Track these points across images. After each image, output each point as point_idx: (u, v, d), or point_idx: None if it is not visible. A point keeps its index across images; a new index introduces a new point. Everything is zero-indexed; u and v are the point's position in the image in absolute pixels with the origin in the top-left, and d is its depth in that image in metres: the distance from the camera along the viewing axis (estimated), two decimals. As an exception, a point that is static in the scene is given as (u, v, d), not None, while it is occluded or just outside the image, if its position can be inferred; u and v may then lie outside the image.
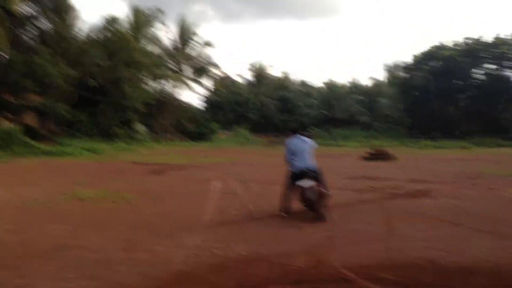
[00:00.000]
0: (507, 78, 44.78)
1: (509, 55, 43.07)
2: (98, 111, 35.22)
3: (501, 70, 44.69)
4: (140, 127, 39.45)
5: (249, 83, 60.95)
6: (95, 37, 37.51)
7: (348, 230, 7.10)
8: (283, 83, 61.50)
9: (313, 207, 7.94)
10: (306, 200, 8.00)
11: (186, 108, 52.37)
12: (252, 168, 18.84)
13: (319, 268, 5.14)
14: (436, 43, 47.98)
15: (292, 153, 8.42)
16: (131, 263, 5.37)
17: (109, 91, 35.97)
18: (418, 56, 48.46)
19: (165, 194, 11.20)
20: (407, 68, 49.70)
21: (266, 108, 56.07)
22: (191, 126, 46.48)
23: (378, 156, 22.86)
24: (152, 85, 46.00)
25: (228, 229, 7.32)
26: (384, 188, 12.16)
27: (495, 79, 44.18)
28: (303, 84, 66.47)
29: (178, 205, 9.62)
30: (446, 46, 46.65)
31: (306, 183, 7.92)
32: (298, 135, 8.70)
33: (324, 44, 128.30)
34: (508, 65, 44.27)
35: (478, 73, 45.78)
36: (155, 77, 45.40)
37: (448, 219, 7.88)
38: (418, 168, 18.80)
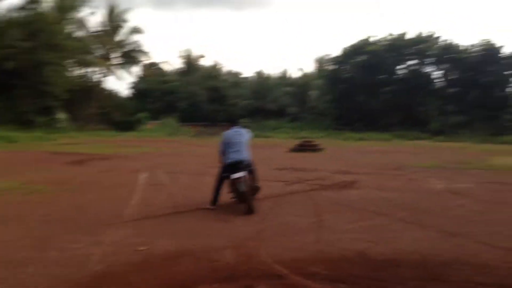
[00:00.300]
0: (426, 73, 47.18)
1: (429, 52, 45.31)
2: (15, 96, 32.88)
3: (422, 66, 46.98)
4: (62, 115, 37.43)
5: (179, 72, 59.73)
6: (13, 16, 34.89)
7: (278, 223, 6.95)
8: (213, 73, 60.86)
9: (243, 199, 7.73)
10: (237, 191, 7.78)
11: (112, 96, 50.51)
12: (180, 159, 18.38)
13: (250, 263, 4.91)
14: (363, 37, 49.38)
15: (228, 145, 8.13)
16: (40, 263, 4.86)
17: (28, 75, 33.69)
18: (346, 50, 49.73)
19: (85, 186, 10.55)
20: (335, 61, 50.89)
21: (196, 98, 55.25)
22: (117, 115, 44.80)
23: (306, 147, 23.14)
24: (77, 71, 43.84)
25: (153, 223, 6.93)
26: (312, 179, 12.22)
27: (415, 74, 46.38)
28: (234, 74, 66.25)
29: (99, 198, 9.04)
30: (372, 41, 48.26)
31: (237, 174, 7.69)
32: (235, 127, 8.43)
33: (256, 35, 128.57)
34: (428, 62, 46.62)
35: (401, 68, 47.83)
36: (80, 63, 43.25)
37: (374, 210, 7.97)
38: (344, 159, 19.21)
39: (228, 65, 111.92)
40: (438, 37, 46.28)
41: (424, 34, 46.42)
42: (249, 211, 7.51)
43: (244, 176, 7.71)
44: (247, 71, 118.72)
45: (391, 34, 47.82)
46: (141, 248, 5.46)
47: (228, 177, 7.92)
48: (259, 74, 63.30)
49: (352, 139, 37.37)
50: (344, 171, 14.24)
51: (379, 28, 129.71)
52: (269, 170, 13.88)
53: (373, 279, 4.53)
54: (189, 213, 7.72)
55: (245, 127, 8.86)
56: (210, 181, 8.68)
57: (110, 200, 8.81)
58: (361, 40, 49.27)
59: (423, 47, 45.06)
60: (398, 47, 46.11)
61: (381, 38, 48.31)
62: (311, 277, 4.45)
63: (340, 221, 7.07)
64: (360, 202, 8.74)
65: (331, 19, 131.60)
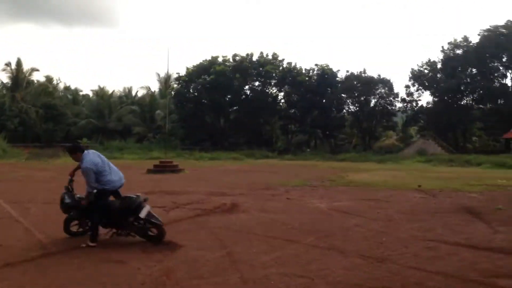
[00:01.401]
0: (271, 94, 49.21)
1: (272, 74, 47.39)
2: None
3: (266, 87, 48.89)
4: None
5: (5, 86, 53.03)
6: None
7: (185, 260, 5.84)
8: (47, 88, 55.33)
9: (145, 233, 6.55)
10: (140, 227, 6.62)
11: None
12: (21, 186, 15.67)
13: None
14: (209, 57, 49.57)
15: (101, 170, 6.70)
16: None
17: None
18: (190, 69, 49.40)
19: None
20: (180, 80, 50.23)
21: (27, 116, 49.45)
22: None
23: (165, 168, 21.83)
24: None
25: (19, 274, 5.26)
26: (189, 203, 11.21)
27: (260, 95, 48.03)
28: (72, 90, 61.24)
29: None
30: (219, 61, 48.74)
31: (145, 210, 6.48)
32: (89, 150, 6.97)
33: (96, 52, 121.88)
34: (270, 83, 48.73)
35: (247, 89, 49.13)
36: None
37: (278, 235, 7.33)
38: (208, 180, 18.42)
39: (64, 82, 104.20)
40: (282, 60, 48.69)
41: (269, 56, 48.40)
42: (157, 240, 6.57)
43: (149, 209, 6.65)
44: (86, 88, 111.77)
45: (236, 55, 48.90)
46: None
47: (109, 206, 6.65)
48: (100, 91, 59.50)
49: (204, 158, 36.84)
50: (218, 192, 13.47)
51: (223, 48, 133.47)
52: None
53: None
54: (64, 254, 6.16)
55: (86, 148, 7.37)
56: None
57: None
58: (207, 60, 49.47)
59: (267, 68, 46.94)
60: (244, 68, 47.30)
61: (228, 59, 49.08)
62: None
63: (252, 252, 6.25)
64: (256, 228, 8.04)
65: (175, 39, 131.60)
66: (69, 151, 6.96)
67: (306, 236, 7.30)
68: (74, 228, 7.04)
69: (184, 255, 6.06)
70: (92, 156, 6.75)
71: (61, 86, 61.01)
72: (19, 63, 52.79)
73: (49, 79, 58.02)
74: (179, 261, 5.76)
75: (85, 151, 6.82)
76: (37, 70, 55.26)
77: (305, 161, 33.66)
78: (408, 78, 45.28)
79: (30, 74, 54.36)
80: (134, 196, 6.83)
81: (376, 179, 17.79)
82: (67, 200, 6.85)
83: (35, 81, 55.30)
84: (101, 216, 6.70)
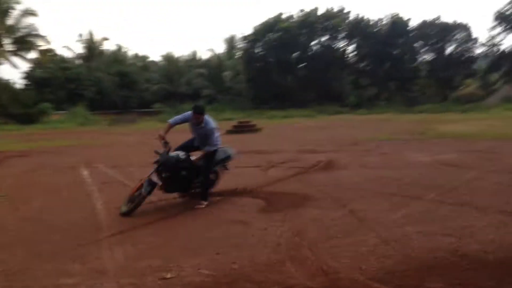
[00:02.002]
0: (339, 49, 47.69)
1: (340, 28, 45.74)
2: None
3: (334, 41, 47.35)
4: None
5: (81, 57, 54.99)
6: None
7: (308, 219, 5.59)
8: (118, 57, 56.85)
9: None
10: None
11: (7, 87, 45.14)
12: (114, 151, 16.16)
13: (336, 283, 3.55)
14: (274, 14, 48.56)
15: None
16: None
17: None
18: (257, 28, 48.66)
19: (20, 192, 8.35)
20: (247, 40, 49.69)
21: (103, 84, 51.28)
22: (15, 107, 39.98)
23: (243, 128, 21.84)
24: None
25: (150, 233, 5.27)
26: (283, 161, 11.02)
27: (328, 50, 46.66)
28: (141, 57, 62.56)
29: (50, 206, 7.05)
30: (284, 18, 47.62)
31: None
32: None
33: (161, 17, 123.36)
34: (339, 37, 47.09)
35: (314, 44, 47.85)
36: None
37: (395, 192, 6.94)
38: (289, 138, 18.18)
39: (133, 49, 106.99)
40: (348, 12, 46.86)
41: (334, 9, 46.70)
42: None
43: None
44: (154, 54, 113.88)
45: (302, 10, 47.55)
46: (169, 276, 3.88)
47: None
48: (168, 57, 60.29)
49: (277, 117, 36.61)
50: (307, 150, 13.17)
51: (289, 4, 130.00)
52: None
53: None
54: (184, 215, 6.14)
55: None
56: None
57: (66, 207, 6.89)
58: (272, 18, 48.45)
59: (334, 22, 45.33)
60: (310, 23, 45.94)
61: (293, 15, 47.83)
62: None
63: (375, 210, 5.90)
64: (366, 184, 7.68)
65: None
66: (199, 112, 6.75)
67: (425, 191, 6.84)
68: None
69: (306, 215, 5.82)
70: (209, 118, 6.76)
71: (130, 54, 62.39)
72: (91, 34, 54.42)
73: (119, 48, 59.52)
74: (305, 221, 5.53)
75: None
76: (107, 39, 56.77)
77: (380, 115, 32.51)
78: (492, 20, 42.06)
79: (101, 44, 55.97)
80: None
81: (471, 129, 16.75)
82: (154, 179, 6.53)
83: (106, 50, 56.91)
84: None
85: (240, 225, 5.52)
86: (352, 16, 46.66)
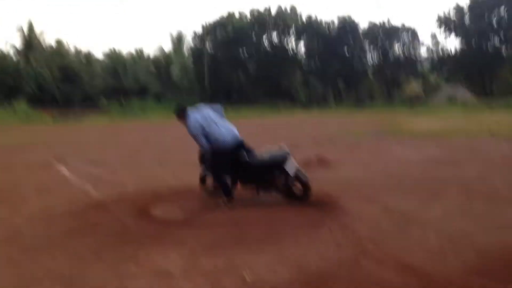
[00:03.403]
0: (288, 47, 48.29)
1: (291, 27, 46.32)
2: None
3: (284, 40, 47.86)
4: None
5: (18, 52, 52.04)
6: None
7: (352, 218, 5.39)
8: (60, 51, 54.36)
9: (289, 190, 6.03)
10: (292, 185, 6.01)
11: None
12: (77, 147, 15.31)
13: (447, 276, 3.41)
14: (225, 12, 48.41)
15: (208, 123, 6.05)
16: None
17: None
18: (207, 26, 48.23)
19: (2, 192, 7.60)
20: (197, 37, 49.14)
21: (43, 79, 48.80)
22: None
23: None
24: None
25: (200, 236, 4.90)
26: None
27: (278, 48, 47.10)
28: (84, 52, 60.33)
29: (43, 207, 6.44)
30: (235, 16, 47.54)
31: (291, 164, 5.88)
32: (192, 111, 6.25)
33: (107, 12, 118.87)
34: (289, 35, 47.70)
35: (264, 42, 48.13)
36: None
37: (409, 189, 6.91)
38: (259, 134, 17.94)
39: (77, 44, 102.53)
40: (299, 12, 47.60)
41: (287, 9, 47.21)
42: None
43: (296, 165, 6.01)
44: (99, 50, 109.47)
45: (253, 9, 47.69)
46: (247, 279, 3.60)
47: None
48: (112, 53, 58.42)
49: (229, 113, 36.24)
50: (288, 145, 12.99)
51: (240, 2, 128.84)
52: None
53: None
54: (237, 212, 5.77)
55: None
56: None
57: (70, 206, 6.31)
58: (222, 16, 48.26)
59: (285, 21, 45.80)
60: (262, 22, 46.17)
61: (244, 13, 47.90)
62: None
63: (409, 206, 5.79)
64: (379, 181, 7.60)
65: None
66: (175, 114, 6.31)
67: (446, 187, 6.80)
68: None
69: (345, 213, 5.58)
70: (193, 117, 6.07)
71: (72, 49, 59.93)
72: (30, 27, 51.64)
73: (59, 42, 56.90)
74: (349, 220, 5.27)
75: (189, 113, 6.22)
76: (48, 33, 54.20)
77: (334, 114, 33.07)
78: (435, 25, 44.48)
79: (41, 38, 53.31)
80: (280, 149, 6.25)
81: (436, 127, 17.35)
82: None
83: (47, 44, 54.28)
84: (235, 173, 6.24)
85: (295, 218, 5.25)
86: (304, 17, 47.45)
